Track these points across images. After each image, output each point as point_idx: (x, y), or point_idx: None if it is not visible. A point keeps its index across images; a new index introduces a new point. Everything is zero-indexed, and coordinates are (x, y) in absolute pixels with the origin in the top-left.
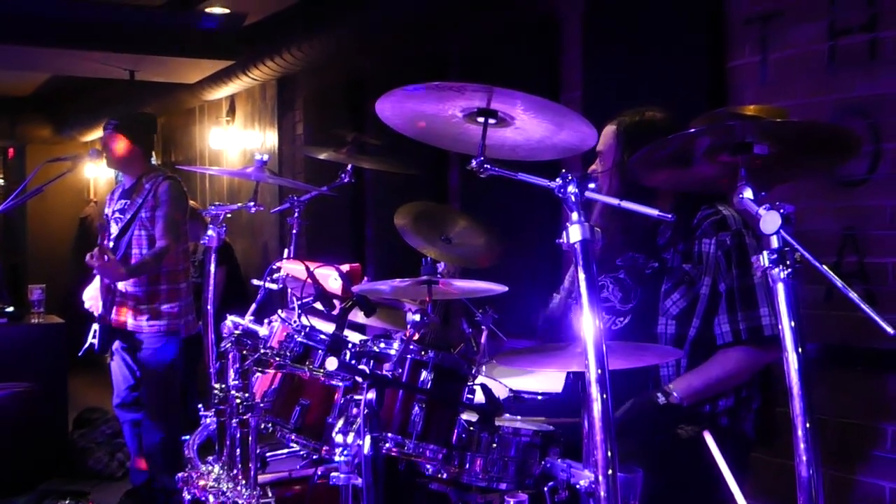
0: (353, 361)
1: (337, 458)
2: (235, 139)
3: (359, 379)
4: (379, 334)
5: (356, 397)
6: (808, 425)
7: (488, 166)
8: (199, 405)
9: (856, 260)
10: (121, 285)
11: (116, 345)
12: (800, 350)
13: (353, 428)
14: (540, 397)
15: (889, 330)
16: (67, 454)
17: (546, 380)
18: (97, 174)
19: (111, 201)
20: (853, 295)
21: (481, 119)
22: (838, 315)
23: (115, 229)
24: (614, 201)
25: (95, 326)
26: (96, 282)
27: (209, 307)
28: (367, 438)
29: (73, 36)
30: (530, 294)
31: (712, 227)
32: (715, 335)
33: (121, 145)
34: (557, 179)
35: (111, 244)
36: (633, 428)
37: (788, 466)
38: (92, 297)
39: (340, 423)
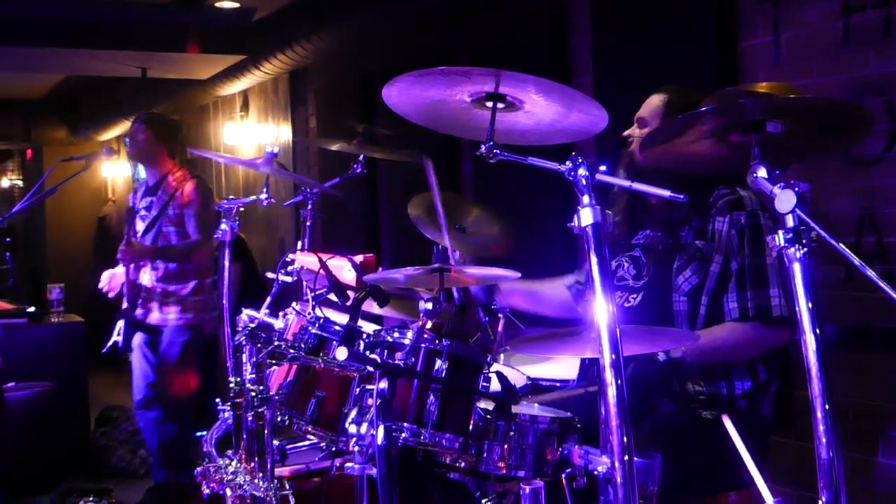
0: (367, 352)
1: (351, 449)
2: (250, 134)
3: (370, 368)
4: (394, 325)
5: (369, 387)
6: (826, 407)
7: (497, 151)
8: (217, 400)
9: (875, 240)
10: (147, 279)
11: (139, 340)
12: (817, 331)
13: (367, 418)
14: (558, 384)
15: None
16: (89, 453)
17: (563, 366)
18: (115, 173)
19: (135, 198)
20: (871, 273)
21: (490, 104)
22: (856, 296)
23: (140, 226)
24: (626, 183)
25: (120, 324)
26: (120, 268)
27: (224, 301)
28: (381, 428)
29: (83, 36)
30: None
31: (727, 206)
32: (724, 311)
33: (146, 138)
34: (567, 162)
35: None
36: (633, 387)
37: (808, 449)
38: (110, 277)
39: (353, 413)
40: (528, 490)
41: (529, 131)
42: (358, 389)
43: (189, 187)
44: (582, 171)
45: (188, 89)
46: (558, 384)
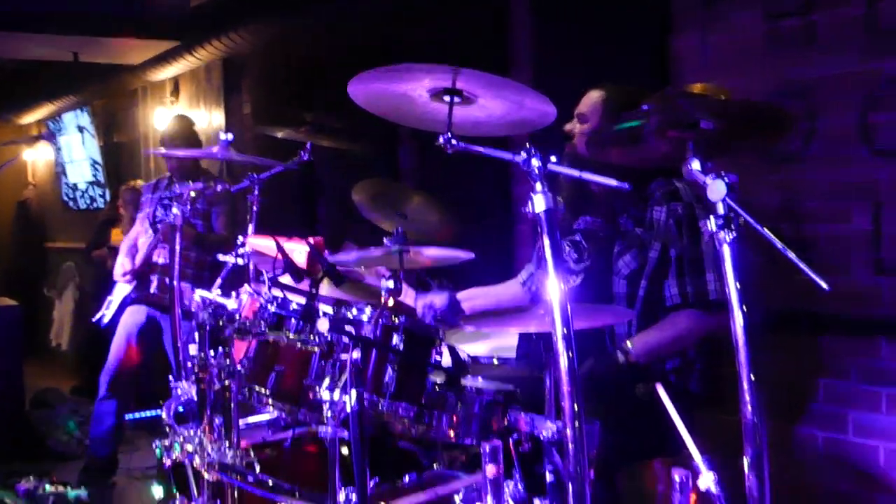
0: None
1: (325, 414)
2: None
3: (345, 339)
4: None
5: (343, 356)
6: (751, 376)
7: (455, 142)
8: (170, 377)
9: (792, 229)
10: (163, 259)
11: (132, 320)
12: (744, 308)
13: (339, 385)
14: (496, 362)
15: (824, 286)
16: (25, 436)
17: (500, 345)
18: (36, 157)
19: (155, 189)
20: (792, 255)
21: (447, 98)
22: (778, 283)
23: (160, 213)
24: (575, 173)
25: (111, 298)
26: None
27: (175, 283)
28: (353, 393)
29: (17, 20)
30: (482, 267)
31: (664, 197)
32: (664, 297)
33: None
34: (522, 153)
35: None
36: (597, 384)
37: (733, 423)
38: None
39: (327, 381)
40: (488, 448)
41: (482, 123)
42: (322, 362)
43: (220, 187)
44: (535, 162)
45: (118, 74)
46: (495, 361)
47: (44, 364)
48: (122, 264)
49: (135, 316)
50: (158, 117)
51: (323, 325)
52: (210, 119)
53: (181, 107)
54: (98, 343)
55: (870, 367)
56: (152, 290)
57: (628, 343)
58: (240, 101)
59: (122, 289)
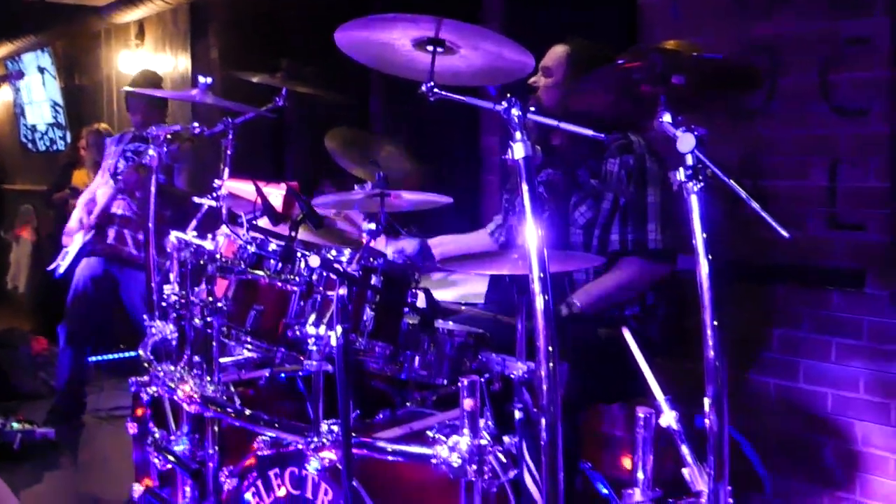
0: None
1: (310, 348)
2: (146, 63)
3: (332, 276)
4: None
5: (329, 293)
6: (715, 321)
7: (437, 90)
8: (145, 316)
9: (752, 183)
10: (121, 209)
11: (87, 272)
12: (709, 257)
13: (324, 321)
14: (463, 307)
15: (785, 234)
16: None
17: (468, 291)
18: None
19: (120, 142)
20: (755, 204)
21: (430, 48)
22: (735, 234)
23: (122, 165)
24: (553, 122)
25: (67, 249)
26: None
27: (150, 224)
28: (339, 328)
29: None
30: (450, 217)
31: (619, 149)
32: (609, 243)
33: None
34: (503, 102)
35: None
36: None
37: (693, 371)
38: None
39: (313, 317)
40: (465, 382)
41: (462, 73)
42: (303, 303)
43: (186, 146)
44: (515, 111)
45: (81, 15)
46: (463, 306)
47: (2, 306)
48: (78, 218)
49: (91, 268)
50: (123, 61)
51: (314, 261)
52: (176, 63)
53: (146, 50)
54: (55, 288)
55: (821, 317)
56: (109, 241)
57: (572, 297)
58: (207, 46)
59: (78, 238)
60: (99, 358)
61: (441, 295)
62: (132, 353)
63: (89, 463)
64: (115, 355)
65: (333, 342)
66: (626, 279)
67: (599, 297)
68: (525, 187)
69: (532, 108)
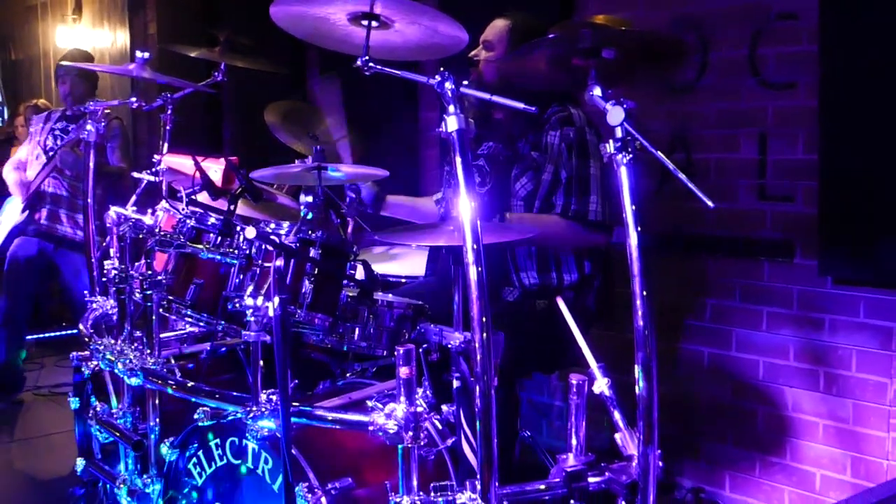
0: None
1: (248, 319)
2: (84, 38)
3: (269, 248)
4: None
5: (267, 264)
6: (644, 291)
7: (372, 65)
8: (85, 291)
9: (684, 157)
10: (52, 187)
11: (22, 252)
12: (638, 228)
13: (263, 292)
14: (404, 281)
15: (709, 203)
16: None
17: (408, 264)
18: None
19: (47, 120)
20: (681, 175)
21: (365, 22)
22: (667, 206)
23: (51, 142)
24: (486, 95)
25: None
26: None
27: (90, 200)
28: (276, 299)
29: None
30: (389, 188)
31: (559, 122)
32: (553, 206)
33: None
34: (436, 76)
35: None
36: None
37: (625, 339)
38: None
39: (251, 288)
40: (401, 351)
41: (398, 48)
42: (242, 277)
43: (114, 125)
44: (448, 85)
45: None
46: (404, 280)
47: None
48: (16, 181)
49: (24, 247)
50: (59, 35)
51: (250, 232)
52: (114, 38)
53: (84, 25)
54: None
55: (752, 287)
56: (42, 220)
57: (508, 215)
58: (144, 20)
59: (9, 216)
60: (40, 336)
61: (382, 269)
62: (74, 331)
63: (31, 440)
64: (57, 333)
65: (271, 313)
66: (560, 233)
67: (530, 229)
68: (458, 160)
69: (466, 83)
